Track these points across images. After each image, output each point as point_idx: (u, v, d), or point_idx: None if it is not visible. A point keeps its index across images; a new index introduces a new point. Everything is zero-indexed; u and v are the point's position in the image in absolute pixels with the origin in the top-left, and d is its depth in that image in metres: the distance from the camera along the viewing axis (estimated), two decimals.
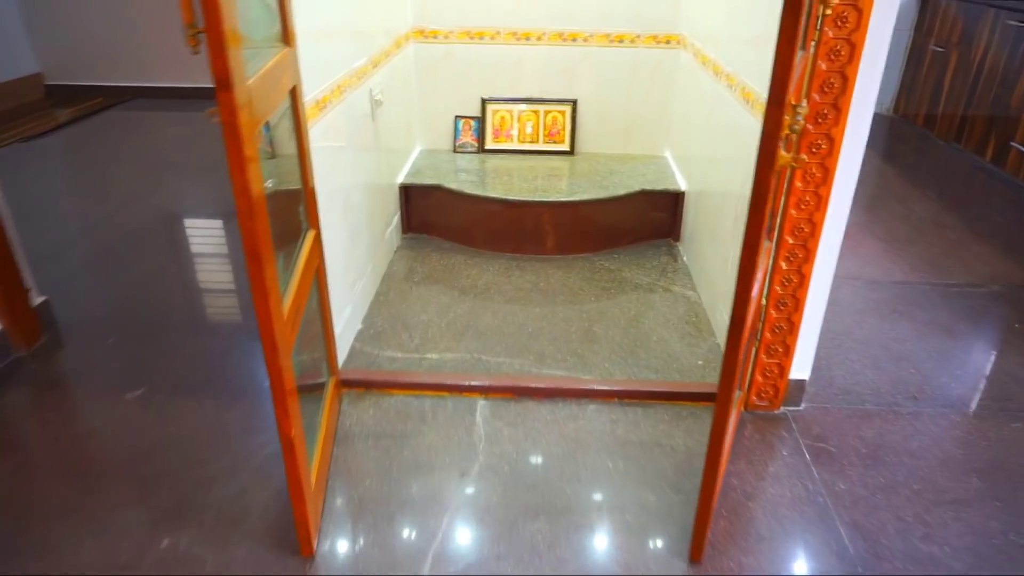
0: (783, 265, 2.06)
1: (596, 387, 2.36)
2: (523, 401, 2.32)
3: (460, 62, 3.62)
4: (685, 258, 3.28)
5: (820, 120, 1.85)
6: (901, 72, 5.71)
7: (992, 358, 2.63)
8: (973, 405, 2.35)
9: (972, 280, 3.19)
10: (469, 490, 1.97)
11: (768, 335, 2.17)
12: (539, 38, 3.55)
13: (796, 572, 1.75)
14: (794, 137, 1.64)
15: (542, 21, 3.52)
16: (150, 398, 2.34)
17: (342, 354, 2.49)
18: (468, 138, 3.75)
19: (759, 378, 2.25)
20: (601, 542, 1.81)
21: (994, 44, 4.60)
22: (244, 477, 2.00)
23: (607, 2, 3.45)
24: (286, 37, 1.72)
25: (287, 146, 1.82)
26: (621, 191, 3.28)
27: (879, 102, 2.40)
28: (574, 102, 3.67)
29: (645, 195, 3.32)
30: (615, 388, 2.35)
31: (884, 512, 1.91)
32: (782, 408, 2.30)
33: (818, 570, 1.75)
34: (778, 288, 2.10)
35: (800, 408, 2.31)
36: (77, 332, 2.71)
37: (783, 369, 2.23)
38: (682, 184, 3.36)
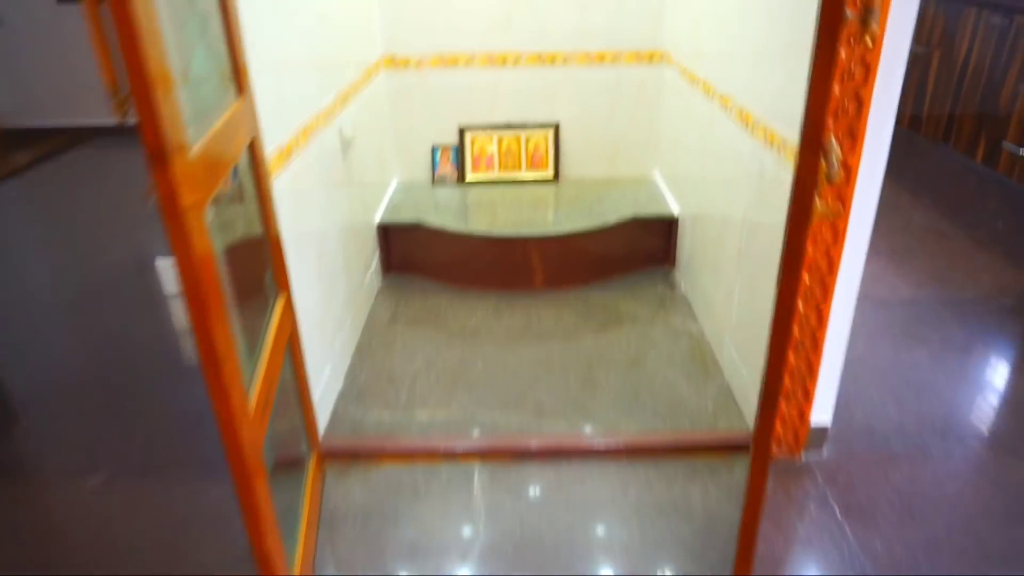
0: (800, 306, 1.89)
1: (601, 443, 2.17)
2: (523, 464, 2.13)
3: (434, 89, 3.44)
4: (683, 286, 3.11)
5: None
6: None
7: (1015, 381, 2.48)
8: (1005, 439, 2.20)
9: (980, 293, 3.05)
10: None
11: (786, 380, 2.00)
12: (516, 61, 3.38)
13: None
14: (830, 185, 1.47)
15: (518, 43, 3.35)
16: (113, 484, 2.11)
17: (323, 420, 2.29)
18: (447, 168, 3.56)
19: (778, 426, 2.08)
20: None
21: (977, 43, 4.50)
22: None
23: (585, 19, 3.29)
24: (240, 86, 1.53)
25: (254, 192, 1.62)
26: (611, 219, 3.10)
27: None
28: (556, 126, 3.50)
29: (637, 222, 3.15)
30: (622, 443, 2.17)
31: None
32: (803, 456, 2.13)
33: None
34: (795, 330, 1.93)
35: (823, 455, 2.13)
36: (32, 404, 2.48)
37: (803, 415, 2.06)
38: (675, 208, 3.20)
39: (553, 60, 3.38)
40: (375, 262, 3.15)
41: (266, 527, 1.34)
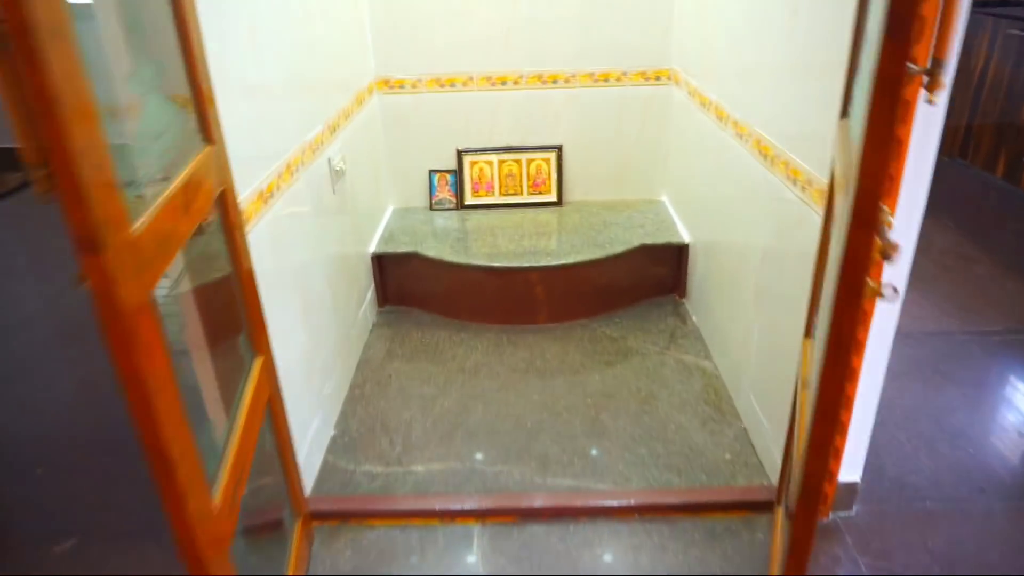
0: None
1: (611, 502, 2.00)
2: (527, 526, 1.97)
3: (431, 112, 3.29)
4: (695, 318, 2.94)
5: None
6: None
7: None
8: None
9: (1011, 324, 2.88)
10: None
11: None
12: (516, 82, 3.23)
13: None
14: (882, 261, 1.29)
15: (518, 63, 3.20)
16: (82, 551, 1.96)
17: (311, 475, 2.13)
18: (445, 194, 3.41)
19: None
20: None
21: (996, 54, 4.34)
22: None
23: (588, 38, 3.14)
24: (208, 133, 1.37)
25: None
26: (618, 247, 2.94)
27: None
28: (559, 148, 3.34)
29: (645, 249, 2.99)
30: (633, 502, 2.00)
31: None
32: (832, 515, 1.96)
33: None
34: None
35: (852, 514, 1.96)
36: (4, 455, 2.32)
37: (832, 473, 1.89)
38: (685, 235, 3.03)
39: (555, 80, 3.23)
40: (370, 295, 3.00)
41: None
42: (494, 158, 3.35)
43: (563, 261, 2.88)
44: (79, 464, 2.31)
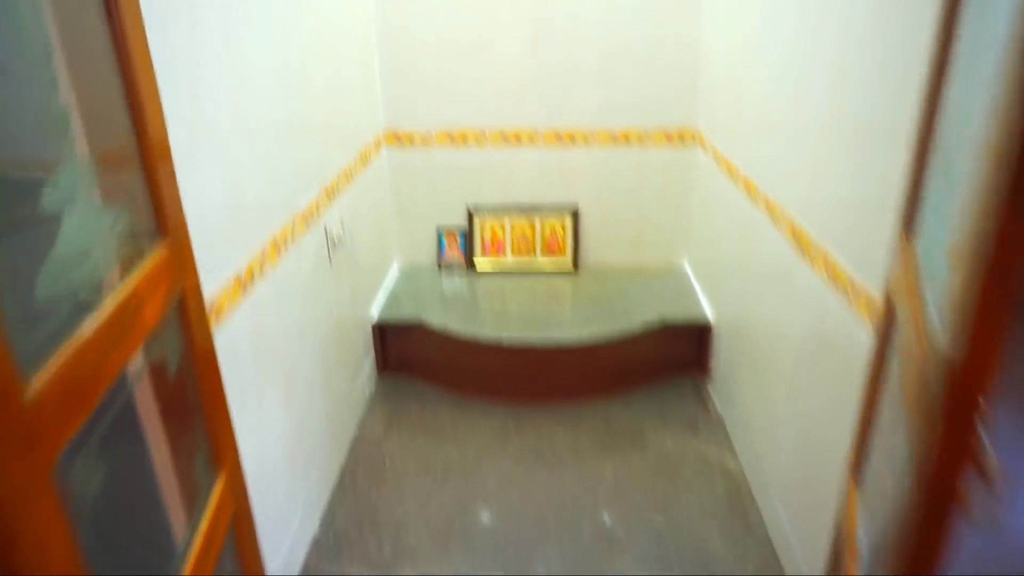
0: None
1: None
2: None
3: (441, 167, 3.12)
4: (718, 404, 2.71)
5: None
6: None
7: None
8: None
9: None
10: None
11: None
12: (531, 139, 3.06)
13: None
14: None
15: (534, 118, 3.03)
16: None
17: None
18: (454, 253, 3.23)
19: None
20: None
21: None
22: None
23: (608, 93, 2.96)
24: (163, 224, 1.18)
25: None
26: (636, 324, 2.73)
27: None
28: (575, 209, 3.16)
29: (665, 324, 2.78)
30: None
31: None
32: None
33: None
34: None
35: None
36: None
37: None
38: (708, 310, 2.82)
39: (573, 139, 3.05)
40: (368, 364, 2.80)
41: None
42: (506, 217, 3.17)
43: (577, 336, 2.67)
44: None
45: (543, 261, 3.20)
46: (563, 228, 3.17)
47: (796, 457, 1.92)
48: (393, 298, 2.97)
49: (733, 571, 1.96)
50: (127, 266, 1.05)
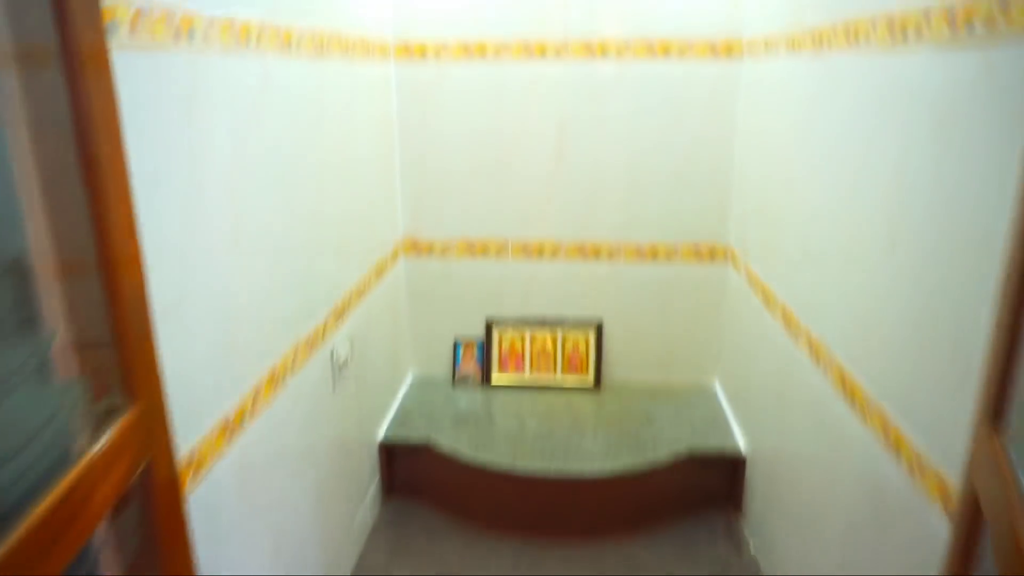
0: None
1: None
2: None
3: (460, 277, 3.01)
4: (753, 547, 2.45)
5: None
6: None
7: None
8: None
9: None
10: None
11: None
12: (554, 252, 2.94)
13: None
14: None
15: (558, 229, 2.92)
16: None
17: None
18: (470, 367, 3.07)
19: None
20: None
21: None
22: None
23: (635, 206, 2.85)
24: (132, 388, 1.04)
25: None
26: (663, 453, 2.52)
27: None
28: (598, 324, 3.00)
29: (695, 454, 2.56)
30: None
31: None
32: None
33: None
34: None
35: None
36: None
37: None
38: (741, 440, 2.60)
39: (597, 252, 2.93)
40: (372, 489, 2.60)
41: None
42: (526, 331, 3.02)
43: (599, 468, 2.46)
44: None
45: (564, 379, 3.02)
46: (586, 343, 3.01)
47: None
48: (403, 415, 2.80)
49: None
50: (81, 449, 0.90)
